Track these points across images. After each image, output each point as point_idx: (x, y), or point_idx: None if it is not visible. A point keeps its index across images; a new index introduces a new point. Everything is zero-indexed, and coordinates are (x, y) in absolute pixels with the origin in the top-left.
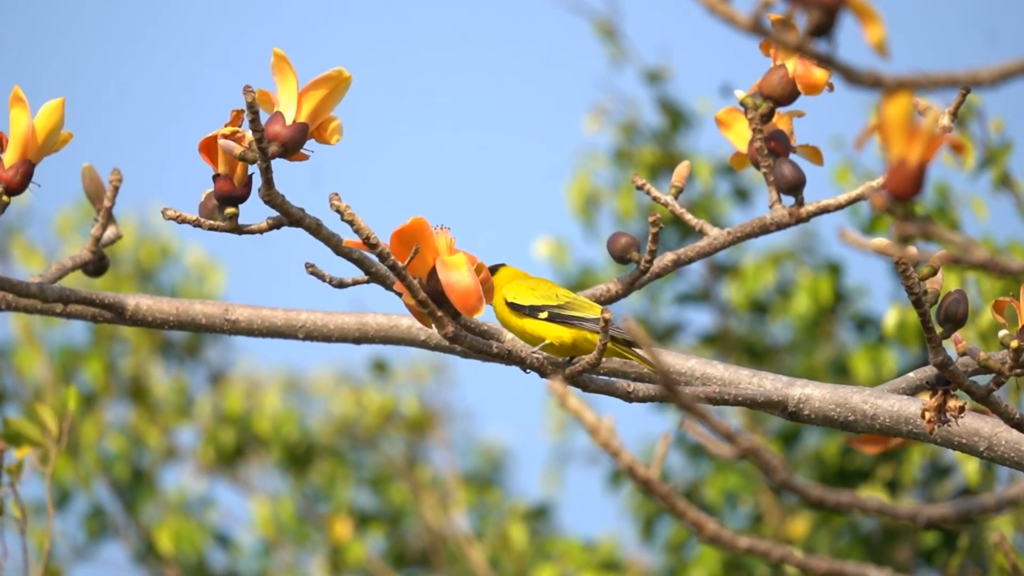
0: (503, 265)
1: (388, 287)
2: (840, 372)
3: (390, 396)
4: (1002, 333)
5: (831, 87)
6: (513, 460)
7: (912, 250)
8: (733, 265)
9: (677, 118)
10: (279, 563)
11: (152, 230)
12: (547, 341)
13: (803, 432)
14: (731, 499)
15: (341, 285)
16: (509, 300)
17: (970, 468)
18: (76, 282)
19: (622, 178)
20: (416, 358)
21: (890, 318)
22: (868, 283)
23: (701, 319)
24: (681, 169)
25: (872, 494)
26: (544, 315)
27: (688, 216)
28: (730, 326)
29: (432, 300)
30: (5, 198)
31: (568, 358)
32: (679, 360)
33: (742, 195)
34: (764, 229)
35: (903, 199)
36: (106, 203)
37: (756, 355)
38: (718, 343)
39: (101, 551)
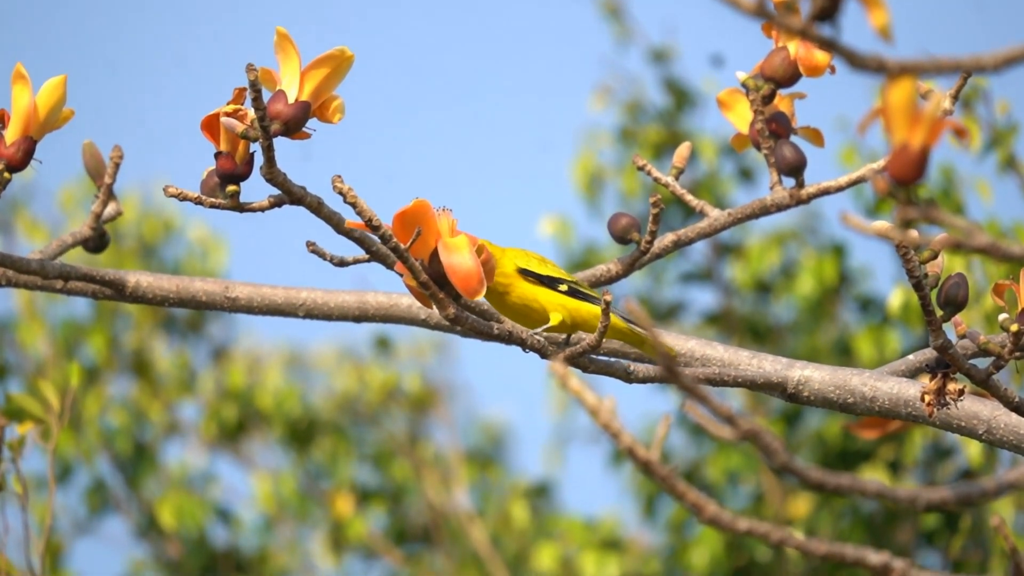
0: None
1: (389, 266)
2: (843, 353)
3: (392, 373)
4: (1002, 317)
5: (833, 69)
6: (515, 438)
7: (913, 234)
8: (737, 245)
9: (682, 97)
10: (280, 539)
11: (155, 206)
12: (554, 320)
13: (805, 413)
14: (733, 479)
15: (342, 264)
16: (522, 267)
17: (972, 450)
18: (78, 258)
19: (626, 157)
20: (418, 335)
21: (894, 299)
22: (872, 264)
23: (704, 299)
24: (682, 150)
25: (874, 475)
26: (565, 287)
27: (689, 197)
28: (733, 306)
29: (434, 282)
30: (7, 174)
31: (567, 338)
32: (679, 341)
33: (746, 175)
34: (765, 210)
35: (905, 183)
36: (107, 180)
37: (759, 335)
38: (721, 323)
39: (103, 526)
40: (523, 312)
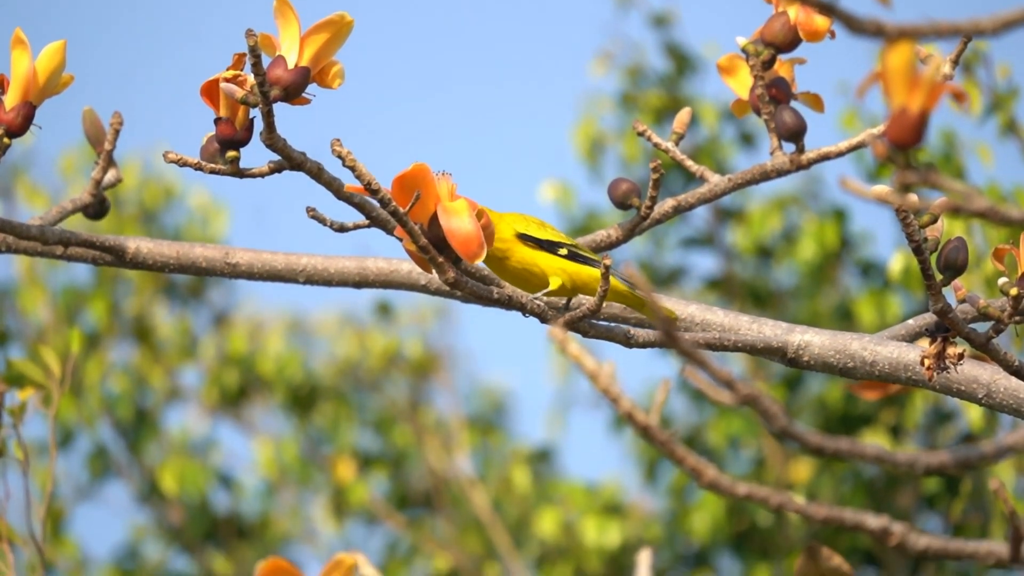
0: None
1: (389, 232)
2: (844, 317)
3: (394, 339)
4: (1001, 281)
5: (832, 34)
6: (516, 403)
7: (913, 198)
8: (738, 210)
9: (683, 63)
10: (282, 504)
11: (156, 172)
12: (553, 284)
13: (806, 378)
14: (734, 443)
15: (342, 229)
16: (522, 232)
17: (973, 414)
18: (78, 225)
19: (627, 123)
20: (420, 301)
21: (895, 264)
22: (873, 229)
23: (706, 264)
24: (682, 115)
25: (875, 439)
26: (564, 252)
27: (689, 162)
28: (735, 271)
29: (433, 246)
30: (6, 140)
31: (567, 303)
32: (679, 306)
33: (747, 140)
34: (765, 176)
35: (904, 147)
36: (107, 146)
37: (760, 300)
38: (722, 288)
39: (104, 491)
40: (523, 277)
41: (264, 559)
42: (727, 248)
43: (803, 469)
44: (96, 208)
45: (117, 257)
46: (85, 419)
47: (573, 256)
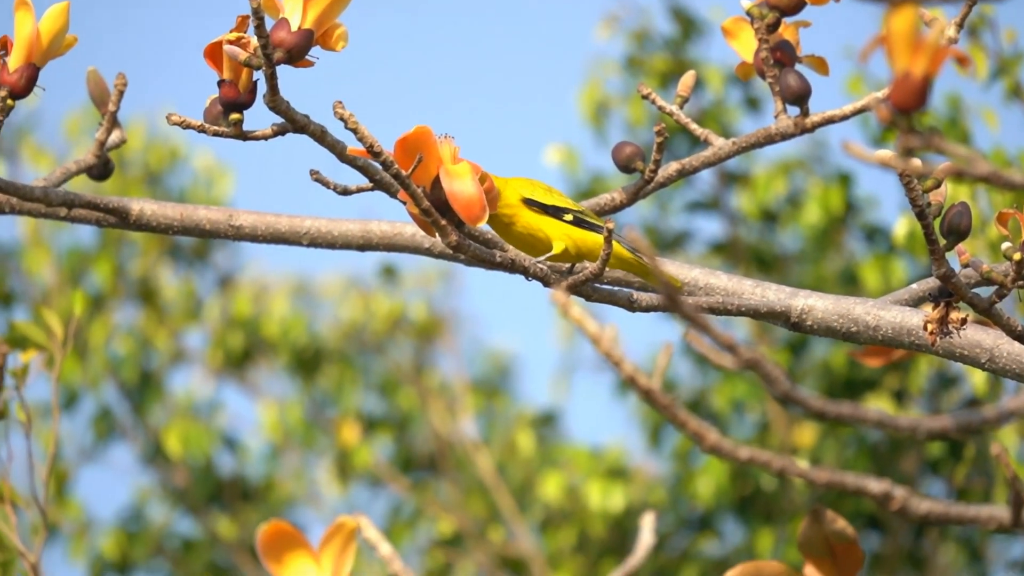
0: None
1: (392, 195)
2: (849, 282)
3: (398, 301)
4: (1005, 245)
5: None
6: (521, 367)
7: (916, 162)
8: (743, 174)
9: (689, 26)
10: (286, 467)
11: (161, 134)
12: (557, 248)
13: (810, 342)
14: (739, 408)
15: (345, 192)
16: (527, 197)
17: (977, 378)
18: (83, 186)
19: (633, 86)
20: (425, 265)
21: (900, 228)
22: (878, 193)
23: (711, 228)
24: (687, 79)
25: (879, 404)
26: (570, 217)
27: (693, 126)
28: (740, 235)
29: (436, 209)
30: (10, 101)
31: (571, 267)
32: (682, 270)
33: (753, 104)
34: (769, 139)
35: (907, 111)
36: (111, 107)
37: (765, 264)
38: (727, 252)
39: (109, 453)
40: (528, 242)
41: (268, 522)
42: (732, 212)
43: (807, 434)
44: (100, 169)
45: (121, 219)
46: (90, 381)
47: (579, 222)
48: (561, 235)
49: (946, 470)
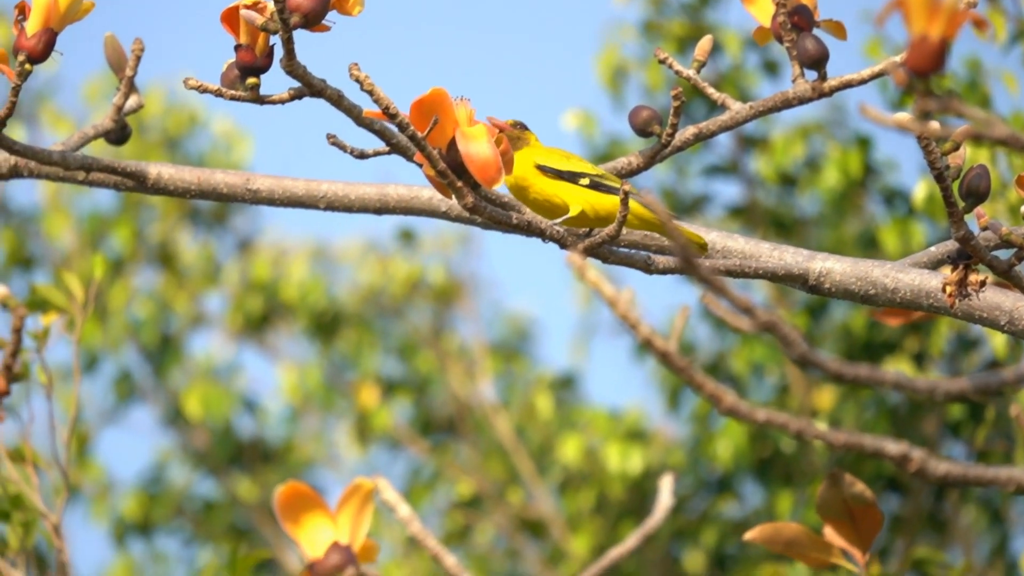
0: (527, 128)
1: (409, 158)
2: (868, 245)
3: (417, 265)
4: None
5: None
6: (539, 330)
7: (934, 125)
8: (762, 138)
9: None
10: (305, 429)
11: (180, 99)
12: (574, 211)
13: (830, 305)
14: (757, 370)
15: (362, 156)
16: (541, 163)
17: (997, 340)
18: (102, 151)
19: (650, 51)
20: (443, 228)
21: (919, 191)
22: (897, 157)
23: (729, 191)
24: (704, 43)
25: (899, 367)
26: (586, 181)
27: (710, 90)
28: (758, 199)
29: (452, 171)
30: (28, 66)
31: (588, 230)
32: (700, 233)
33: (771, 68)
34: (786, 103)
35: (924, 75)
36: (128, 72)
37: (784, 228)
38: (746, 215)
39: (129, 415)
40: (546, 207)
41: (285, 483)
42: (750, 176)
43: (826, 396)
44: (117, 134)
45: (138, 182)
46: (110, 344)
47: (596, 185)
48: (578, 199)
49: (966, 432)
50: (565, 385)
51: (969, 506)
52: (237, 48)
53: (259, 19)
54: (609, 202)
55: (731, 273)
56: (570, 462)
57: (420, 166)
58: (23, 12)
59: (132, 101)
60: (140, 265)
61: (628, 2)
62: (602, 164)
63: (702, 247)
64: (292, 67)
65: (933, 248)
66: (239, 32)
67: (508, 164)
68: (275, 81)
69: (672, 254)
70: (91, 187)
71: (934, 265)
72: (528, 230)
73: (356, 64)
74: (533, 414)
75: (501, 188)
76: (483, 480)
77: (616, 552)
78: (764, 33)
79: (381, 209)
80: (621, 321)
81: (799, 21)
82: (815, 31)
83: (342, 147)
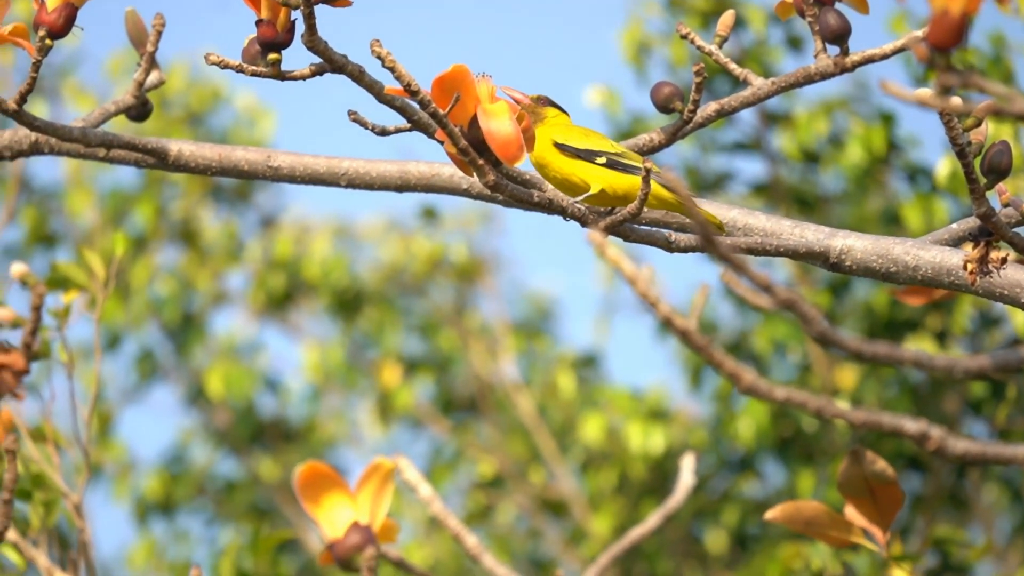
0: (554, 104)
1: (430, 135)
2: (891, 222)
3: (439, 243)
4: None
5: None
6: (562, 308)
7: (956, 100)
8: (785, 114)
9: None
10: (328, 408)
11: (203, 75)
12: (594, 189)
13: (852, 283)
14: (780, 349)
15: (383, 133)
16: (559, 141)
17: (1020, 318)
18: (125, 127)
19: (674, 26)
20: (465, 206)
21: (942, 168)
22: (921, 133)
23: (752, 168)
24: (726, 18)
25: (921, 345)
26: (603, 160)
27: (732, 65)
28: (781, 175)
29: (473, 148)
30: (48, 41)
31: (610, 208)
32: (721, 210)
33: (794, 43)
34: (809, 79)
35: (944, 49)
36: (149, 48)
37: (807, 205)
38: (768, 192)
39: (151, 394)
40: (564, 186)
41: (304, 463)
42: (773, 153)
43: (848, 375)
44: (138, 110)
45: (159, 159)
46: (132, 322)
47: (613, 164)
48: (596, 178)
49: (988, 411)
50: (587, 364)
51: (990, 484)
52: (258, 23)
53: None
54: (626, 182)
55: (752, 251)
56: (592, 441)
57: (441, 143)
58: None
59: (153, 77)
60: (162, 243)
61: None
62: (624, 141)
63: (719, 227)
64: (313, 42)
65: (954, 225)
66: (260, 7)
67: (530, 141)
68: (297, 57)
69: (693, 232)
70: (112, 164)
71: (955, 242)
72: (549, 208)
73: (378, 40)
74: (555, 393)
75: (524, 165)
76: (505, 459)
77: (638, 531)
78: (786, 7)
79: (402, 186)
80: (641, 299)
81: None
82: (837, 5)
83: (363, 124)
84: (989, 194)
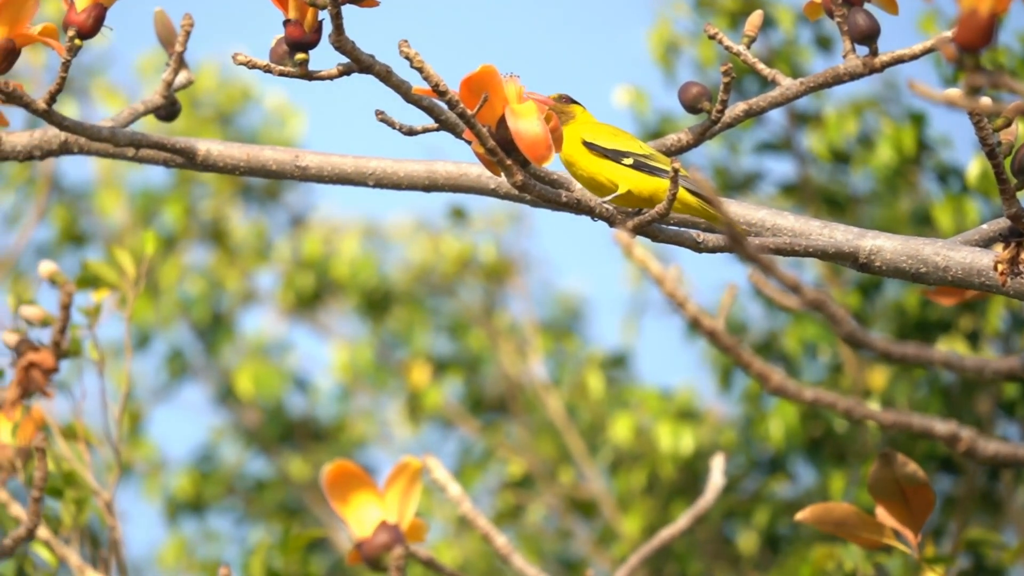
0: (575, 101)
1: (457, 135)
2: (922, 223)
3: (468, 243)
4: None
5: None
6: (591, 308)
7: (986, 101)
8: (815, 114)
9: None
10: (357, 408)
11: (233, 74)
12: (620, 189)
13: (882, 284)
14: (810, 349)
15: (411, 133)
16: (588, 140)
17: None
18: (155, 127)
19: (702, 26)
20: (494, 206)
21: (973, 169)
22: (951, 133)
23: (781, 168)
24: (754, 19)
25: (953, 346)
26: (629, 161)
27: (761, 66)
28: (811, 176)
29: (501, 148)
30: (78, 41)
31: (637, 209)
32: (749, 211)
33: (824, 44)
34: (837, 79)
35: (973, 50)
36: (177, 48)
37: (836, 205)
38: (798, 193)
39: (181, 393)
40: (591, 185)
41: (332, 462)
42: (803, 153)
43: (879, 376)
44: (167, 110)
45: (188, 159)
46: (161, 321)
47: (639, 166)
48: (622, 179)
49: (1021, 412)
50: (616, 364)
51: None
52: (286, 23)
53: None
54: (651, 184)
55: (780, 251)
56: (621, 442)
57: (469, 143)
58: None
59: (182, 77)
60: (192, 242)
61: None
62: (652, 141)
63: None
64: (341, 42)
65: (985, 226)
66: (288, 7)
67: (558, 141)
68: (325, 57)
69: (721, 232)
70: (141, 163)
71: (986, 243)
72: (577, 208)
73: (406, 41)
74: (584, 393)
75: (552, 164)
76: (534, 459)
77: (667, 532)
78: (815, 7)
79: (429, 186)
80: (669, 299)
81: None
82: (866, 5)
83: (391, 123)
84: (1020, 194)
